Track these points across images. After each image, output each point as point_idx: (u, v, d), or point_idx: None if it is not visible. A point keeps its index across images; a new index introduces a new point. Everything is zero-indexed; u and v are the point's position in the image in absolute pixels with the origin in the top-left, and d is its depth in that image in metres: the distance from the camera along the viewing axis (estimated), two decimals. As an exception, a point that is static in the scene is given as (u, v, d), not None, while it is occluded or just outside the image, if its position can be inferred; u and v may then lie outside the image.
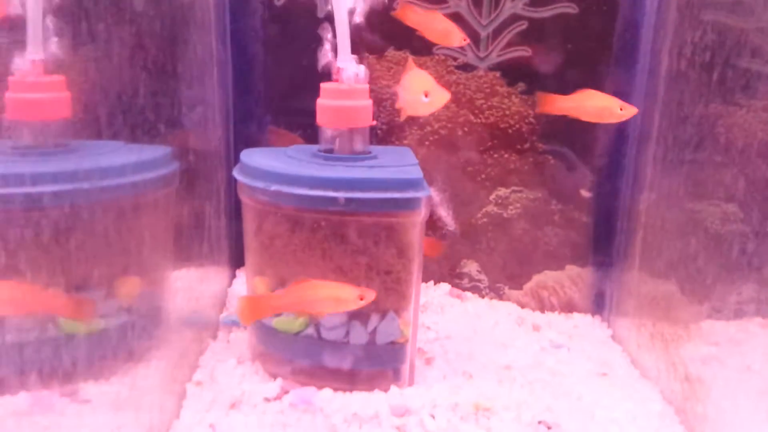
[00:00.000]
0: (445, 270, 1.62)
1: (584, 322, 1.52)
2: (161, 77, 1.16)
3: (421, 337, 1.34)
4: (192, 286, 1.31)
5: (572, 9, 1.47)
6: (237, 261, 1.58)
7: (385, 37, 1.53)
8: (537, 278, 1.57)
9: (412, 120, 1.53)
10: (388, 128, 1.57)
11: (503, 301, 1.59)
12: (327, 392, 1.12)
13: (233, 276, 1.61)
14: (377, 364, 1.14)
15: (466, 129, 1.55)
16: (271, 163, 1.12)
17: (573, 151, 1.55)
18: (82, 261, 1.06)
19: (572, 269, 1.56)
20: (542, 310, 1.56)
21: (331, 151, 1.18)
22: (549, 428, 1.05)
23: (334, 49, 1.15)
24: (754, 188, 1.07)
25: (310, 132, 1.47)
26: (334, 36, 1.14)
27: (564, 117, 1.23)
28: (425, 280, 1.61)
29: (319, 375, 1.14)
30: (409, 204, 1.07)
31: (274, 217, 1.13)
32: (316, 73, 1.17)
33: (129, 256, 1.12)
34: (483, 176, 1.57)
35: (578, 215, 1.56)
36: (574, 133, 1.51)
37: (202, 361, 1.23)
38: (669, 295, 1.25)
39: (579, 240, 1.56)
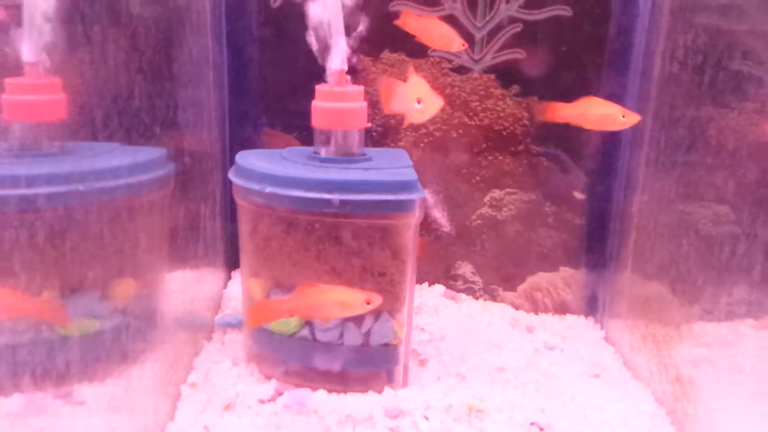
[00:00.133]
0: (439, 272, 1.62)
1: (577, 323, 1.53)
2: (157, 79, 1.16)
3: (415, 338, 1.34)
4: (187, 288, 1.31)
5: (566, 11, 1.48)
6: (232, 263, 1.58)
7: (380, 39, 1.54)
8: (531, 280, 1.58)
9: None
10: (384, 130, 1.57)
11: (497, 302, 1.59)
12: (321, 394, 1.12)
13: (228, 278, 1.61)
14: (371, 365, 1.15)
15: (460, 131, 1.55)
16: (267, 165, 1.12)
17: (566, 153, 1.56)
18: (77, 263, 1.06)
19: (566, 271, 1.57)
20: (536, 311, 1.56)
21: (326, 152, 1.19)
22: (541, 429, 1.06)
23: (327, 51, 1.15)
24: (745, 190, 1.08)
25: (305, 134, 1.48)
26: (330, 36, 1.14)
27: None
28: (420, 281, 1.61)
29: (314, 376, 1.14)
30: (404, 206, 1.08)
31: (269, 219, 1.13)
32: (312, 75, 1.17)
33: (124, 258, 1.12)
34: (477, 178, 1.57)
35: (572, 217, 1.57)
36: (567, 136, 1.52)
37: (196, 363, 1.23)
38: (661, 296, 1.26)
39: (572, 242, 1.57)
